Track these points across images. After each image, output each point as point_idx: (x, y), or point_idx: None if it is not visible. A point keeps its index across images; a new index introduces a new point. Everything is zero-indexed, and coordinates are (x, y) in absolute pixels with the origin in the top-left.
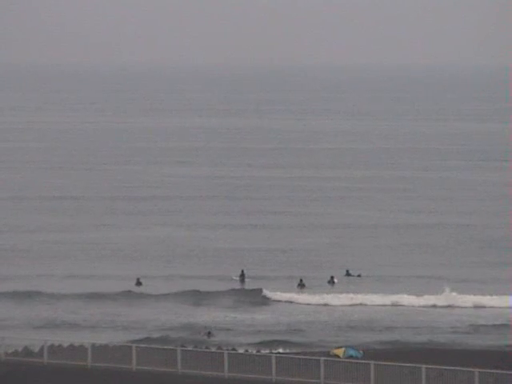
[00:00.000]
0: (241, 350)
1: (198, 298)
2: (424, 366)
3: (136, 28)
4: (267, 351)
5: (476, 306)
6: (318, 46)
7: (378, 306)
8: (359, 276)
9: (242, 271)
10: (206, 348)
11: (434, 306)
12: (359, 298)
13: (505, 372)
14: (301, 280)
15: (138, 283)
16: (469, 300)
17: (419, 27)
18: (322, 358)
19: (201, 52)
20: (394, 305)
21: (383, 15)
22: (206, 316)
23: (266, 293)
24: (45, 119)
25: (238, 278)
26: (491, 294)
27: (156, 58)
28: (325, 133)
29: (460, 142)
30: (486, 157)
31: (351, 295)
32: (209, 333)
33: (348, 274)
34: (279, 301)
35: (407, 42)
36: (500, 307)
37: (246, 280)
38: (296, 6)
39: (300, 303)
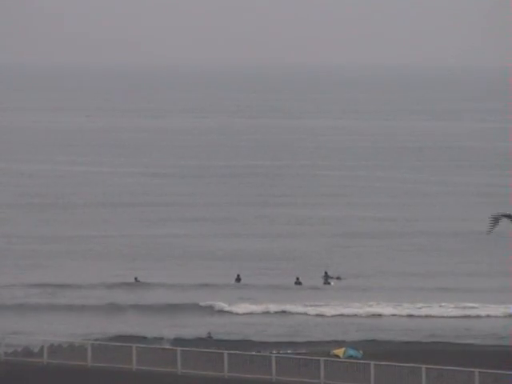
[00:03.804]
0: (240, 350)
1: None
2: (424, 365)
3: (136, 28)
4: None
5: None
6: (317, 45)
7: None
8: (338, 278)
9: (238, 275)
10: (206, 348)
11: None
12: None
13: (505, 372)
14: (297, 278)
15: (137, 281)
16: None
17: (419, 27)
18: (322, 358)
19: (200, 52)
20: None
21: (383, 15)
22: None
23: (220, 306)
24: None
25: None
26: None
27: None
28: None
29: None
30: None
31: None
32: (208, 337)
33: (326, 275)
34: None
35: (407, 42)
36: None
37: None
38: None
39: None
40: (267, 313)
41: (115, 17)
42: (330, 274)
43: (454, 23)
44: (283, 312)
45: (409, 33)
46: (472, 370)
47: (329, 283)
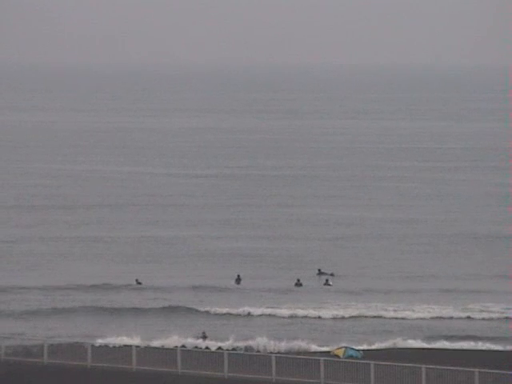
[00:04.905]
0: (241, 350)
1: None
2: (424, 366)
3: (134, 27)
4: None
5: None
6: (318, 45)
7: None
8: (332, 275)
9: (238, 276)
10: (206, 348)
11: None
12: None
13: (505, 372)
14: (298, 280)
15: (138, 283)
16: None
17: (419, 27)
18: (322, 358)
19: (200, 51)
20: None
21: (383, 15)
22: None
23: (220, 308)
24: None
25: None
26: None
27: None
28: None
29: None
30: (485, 158)
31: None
32: (203, 337)
33: (320, 272)
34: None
35: (407, 42)
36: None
37: (242, 284)
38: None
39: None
40: (267, 315)
41: (114, 17)
42: (323, 270)
43: (459, 23)
44: (282, 314)
45: (411, 33)
46: (472, 369)
47: (329, 284)
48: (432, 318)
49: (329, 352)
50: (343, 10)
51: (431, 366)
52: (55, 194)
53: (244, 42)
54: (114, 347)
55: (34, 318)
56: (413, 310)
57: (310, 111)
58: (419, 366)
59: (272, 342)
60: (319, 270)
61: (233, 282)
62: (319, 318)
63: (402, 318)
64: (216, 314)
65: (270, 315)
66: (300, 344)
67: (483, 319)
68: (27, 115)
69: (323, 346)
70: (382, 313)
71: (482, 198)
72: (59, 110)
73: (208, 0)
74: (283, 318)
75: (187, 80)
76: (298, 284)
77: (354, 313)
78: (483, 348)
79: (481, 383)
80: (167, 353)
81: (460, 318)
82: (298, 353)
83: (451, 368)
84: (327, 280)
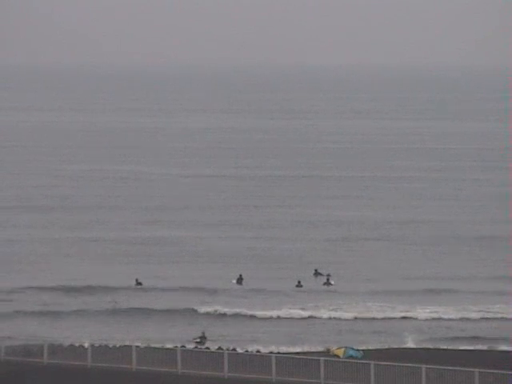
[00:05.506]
0: (240, 350)
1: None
2: (424, 366)
3: (132, 28)
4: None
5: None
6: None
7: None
8: (329, 275)
9: (240, 275)
10: (206, 348)
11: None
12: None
13: (505, 372)
14: (299, 282)
15: (138, 283)
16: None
17: (419, 27)
18: (322, 358)
19: (199, 51)
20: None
21: (383, 15)
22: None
23: (221, 308)
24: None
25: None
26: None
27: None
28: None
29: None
30: (485, 158)
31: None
32: (202, 337)
33: (316, 273)
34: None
35: (407, 42)
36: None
37: (244, 284)
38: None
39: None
40: (268, 315)
41: (112, 17)
42: (319, 271)
43: (459, 23)
44: (283, 314)
45: (410, 33)
46: (472, 370)
47: (330, 283)
48: (432, 319)
49: (328, 352)
50: (342, 9)
51: (431, 366)
52: (55, 194)
53: (242, 42)
54: (114, 347)
55: (34, 318)
56: (413, 311)
57: (309, 111)
58: (419, 365)
59: (272, 342)
60: (316, 271)
61: (234, 282)
62: (320, 318)
63: (403, 318)
64: (217, 315)
65: (271, 316)
66: (300, 344)
67: (483, 319)
68: (25, 115)
69: (323, 346)
70: (383, 313)
71: (483, 198)
72: (57, 110)
73: (205, 0)
74: (284, 318)
75: (186, 80)
76: (299, 285)
77: (354, 313)
78: (483, 348)
79: (481, 383)
80: (167, 353)
81: (460, 319)
82: (298, 353)
83: (451, 368)
84: (328, 279)
